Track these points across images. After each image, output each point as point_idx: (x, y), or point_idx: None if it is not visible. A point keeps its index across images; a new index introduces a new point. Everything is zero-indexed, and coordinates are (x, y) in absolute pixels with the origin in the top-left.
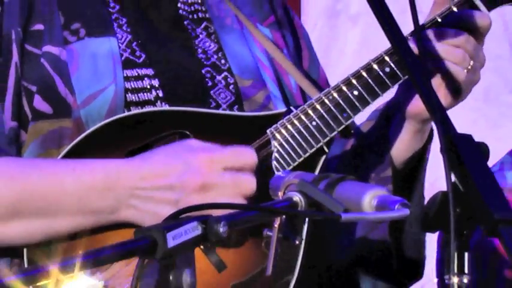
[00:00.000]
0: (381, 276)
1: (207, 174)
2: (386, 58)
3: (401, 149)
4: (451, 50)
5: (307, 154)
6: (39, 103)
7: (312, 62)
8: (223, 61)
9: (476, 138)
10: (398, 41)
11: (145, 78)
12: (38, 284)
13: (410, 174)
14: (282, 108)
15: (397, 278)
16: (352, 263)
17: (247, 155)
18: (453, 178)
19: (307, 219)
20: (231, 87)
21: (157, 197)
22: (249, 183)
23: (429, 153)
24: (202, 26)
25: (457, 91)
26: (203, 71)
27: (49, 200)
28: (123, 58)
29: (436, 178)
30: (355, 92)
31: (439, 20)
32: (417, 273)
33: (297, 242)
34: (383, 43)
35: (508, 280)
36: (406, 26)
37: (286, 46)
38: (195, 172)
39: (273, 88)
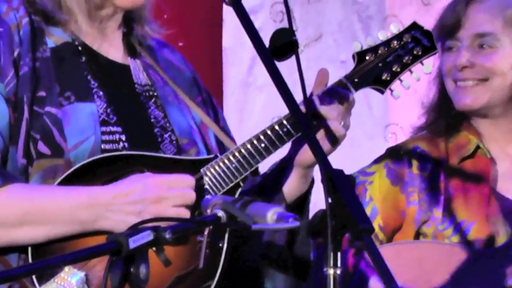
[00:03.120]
0: (280, 272)
1: (159, 190)
2: (285, 122)
3: (290, 188)
4: (333, 114)
5: (229, 187)
6: (42, 147)
7: (225, 128)
8: (168, 125)
9: (346, 172)
10: (293, 105)
11: (116, 134)
12: (39, 274)
13: (299, 209)
14: (208, 156)
15: (293, 273)
16: (257, 264)
17: (187, 179)
18: (330, 200)
19: (227, 228)
20: (173, 142)
21: (125, 210)
22: (190, 196)
23: (311, 195)
24: (152, 100)
25: (335, 141)
26: (155, 131)
27: (48, 213)
28: (100, 119)
29: (317, 200)
30: (262, 145)
31: (320, 94)
32: (307, 268)
33: (221, 245)
34: (281, 106)
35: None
36: (297, 95)
37: (208, 117)
38: (150, 190)
39: (201, 146)
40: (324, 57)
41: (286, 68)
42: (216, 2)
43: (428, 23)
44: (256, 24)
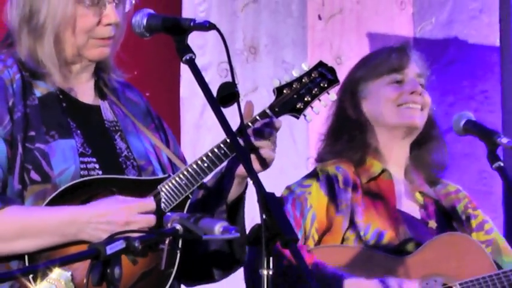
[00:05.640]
0: (220, 265)
1: (129, 215)
2: (222, 145)
3: (231, 192)
4: (264, 144)
5: (180, 199)
6: (33, 175)
7: (175, 147)
8: (130, 154)
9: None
10: (234, 139)
11: (91, 163)
12: (34, 274)
13: (236, 208)
14: (162, 175)
15: (231, 266)
16: (205, 258)
17: (150, 204)
18: (264, 216)
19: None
20: (135, 167)
21: (100, 228)
22: (152, 220)
23: (245, 196)
24: (118, 134)
25: (266, 164)
26: (120, 159)
27: (39, 228)
28: (79, 151)
29: (254, 216)
30: (205, 164)
31: (250, 124)
32: (241, 261)
33: (178, 251)
34: None
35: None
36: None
37: (161, 140)
38: (121, 214)
39: (156, 165)
40: (259, 105)
41: (230, 113)
42: (175, 61)
43: (342, 76)
44: (207, 79)
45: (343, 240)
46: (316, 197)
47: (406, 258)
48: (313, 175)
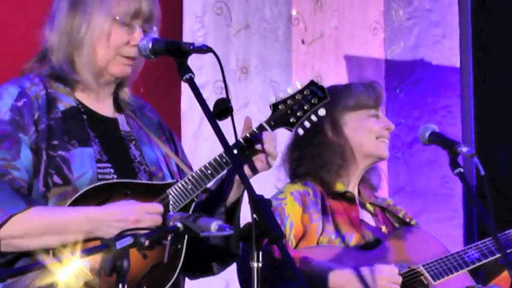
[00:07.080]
0: (218, 259)
1: (138, 214)
2: (224, 154)
3: (230, 194)
4: (265, 149)
5: (186, 202)
6: (56, 179)
7: (183, 156)
8: (143, 160)
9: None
10: (229, 149)
11: (107, 168)
12: (58, 264)
13: (234, 209)
14: (171, 180)
15: (228, 260)
16: (205, 253)
17: (158, 207)
18: (254, 215)
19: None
20: (147, 172)
21: (114, 225)
22: (159, 220)
23: (242, 198)
24: (132, 143)
25: (255, 171)
26: (134, 165)
27: (61, 226)
28: (96, 158)
29: (245, 215)
30: (209, 171)
31: (248, 135)
32: (236, 256)
33: (179, 246)
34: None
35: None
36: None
37: (171, 150)
38: (132, 213)
39: (166, 171)
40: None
41: (225, 125)
42: (176, 80)
43: None
44: (204, 95)
45: (317, 244)
46: (292, 207)
47: (374, 251)
48: (284, 191)
